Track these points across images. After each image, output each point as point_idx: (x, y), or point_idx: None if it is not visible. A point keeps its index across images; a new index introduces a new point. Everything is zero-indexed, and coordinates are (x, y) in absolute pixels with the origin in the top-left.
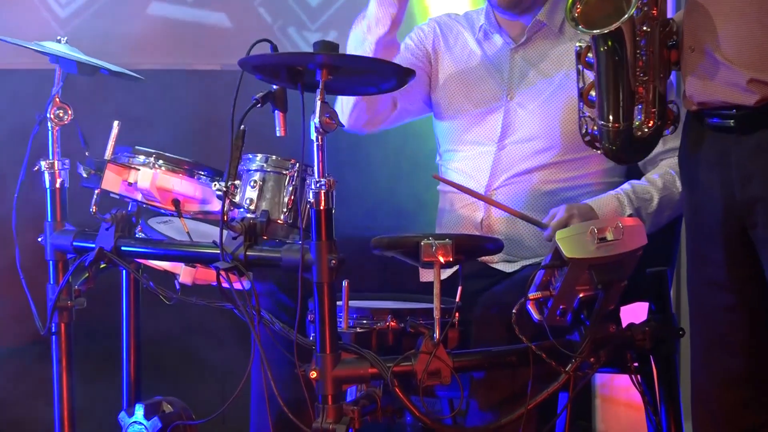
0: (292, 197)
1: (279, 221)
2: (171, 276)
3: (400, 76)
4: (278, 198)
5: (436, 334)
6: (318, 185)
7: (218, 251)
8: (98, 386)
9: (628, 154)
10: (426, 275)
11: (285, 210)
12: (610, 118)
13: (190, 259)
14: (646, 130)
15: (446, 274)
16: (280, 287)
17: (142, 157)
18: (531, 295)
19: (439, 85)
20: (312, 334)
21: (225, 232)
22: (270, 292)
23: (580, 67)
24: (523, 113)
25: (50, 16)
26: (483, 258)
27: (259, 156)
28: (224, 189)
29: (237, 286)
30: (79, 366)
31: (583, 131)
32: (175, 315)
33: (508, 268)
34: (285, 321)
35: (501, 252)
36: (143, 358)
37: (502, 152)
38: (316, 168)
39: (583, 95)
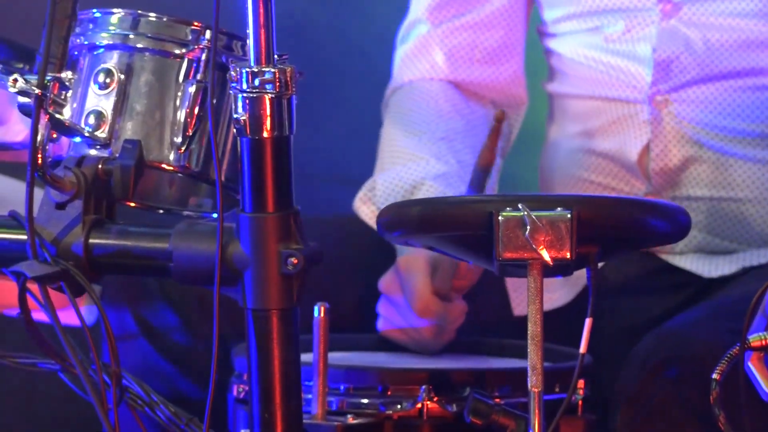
0: (196, 111)
1: (164, 166)
2: None
3: None
4: (162, 112)
5: (534, 430)
6: (257, 81)
7: (23, 236)
8: None
9: None
10: (523, 301)
11: (178, 140)
12: None
13: None
14: None
15: (566, 293)
16: (171, 319)
17: None
18: (756, 340)
19: None
20: (243, 431)
21: (41, 191)
22: (147, 330)
23: None
24: None
25: None
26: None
27: (119, 14)
28: (36, 91)
29: (68, 317)
30: None
31: None
32: None
33: (708, 268)
34: (178, 399)
35: (688, 236)
36: None
37: (672, 18)
38: (251, 42)
39: None
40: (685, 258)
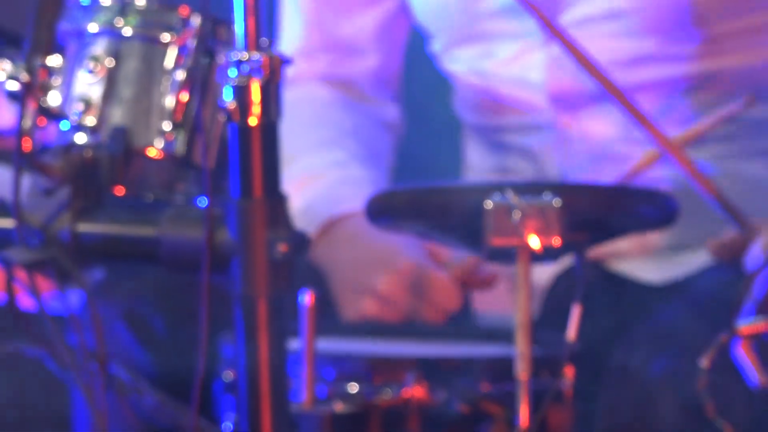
0: (183, 96)
1: (152, 152)
2: None
3: None
4: (149, 99)
5: (521, 417)
6: (245, 67)
7: (11, 222)
8: None
9: None
10: (485, 296)
11: (166, 126)
12: None
13: None
14: None
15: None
16: (155, 306)
17: None
18: (745, 326)
19: None
20: (230, 415)
21: (27, 177)
22: (130, 315)
23: None
24: None
25: None
26: (600, 253)
27: (107, 0)
28: (24, 77)
29: (51, 303)
30: None
31: None
32: None
33: (661, 270)
34: (163, 386)
35: (670, 224)
36: None
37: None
38: (240, 28)
39: None
40: (627, 262)
